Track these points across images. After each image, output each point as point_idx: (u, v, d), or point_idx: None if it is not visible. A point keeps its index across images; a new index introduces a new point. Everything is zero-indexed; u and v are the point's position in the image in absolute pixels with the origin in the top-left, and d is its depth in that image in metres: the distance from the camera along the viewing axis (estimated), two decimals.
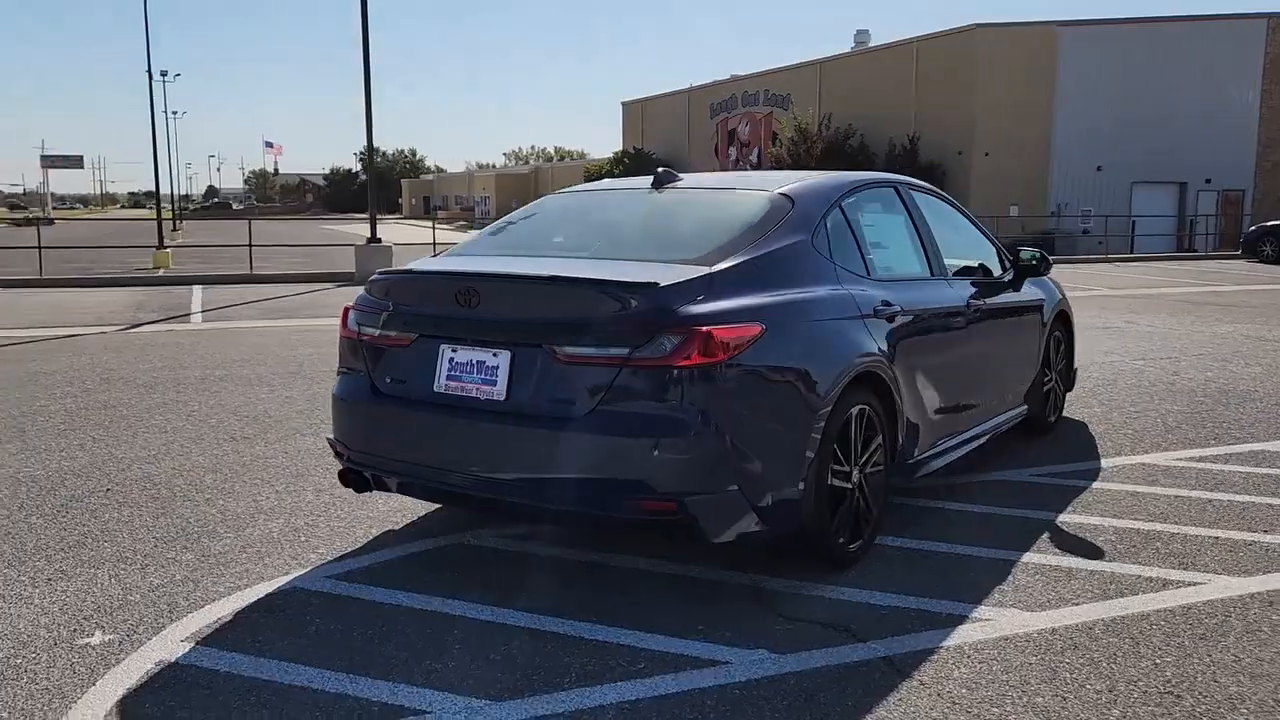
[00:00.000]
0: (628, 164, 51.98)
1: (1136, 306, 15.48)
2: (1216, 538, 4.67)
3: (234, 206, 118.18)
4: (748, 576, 4.14)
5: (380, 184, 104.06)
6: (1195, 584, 4.12)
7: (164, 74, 58.71)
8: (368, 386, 4.18)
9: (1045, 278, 6.77)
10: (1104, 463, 5.99)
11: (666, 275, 3.74)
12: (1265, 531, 4.76)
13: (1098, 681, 3.28)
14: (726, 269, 3.88)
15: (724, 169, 48.21)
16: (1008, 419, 5.99)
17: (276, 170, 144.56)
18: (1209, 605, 3.90)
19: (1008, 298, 5.92)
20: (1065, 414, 7.17)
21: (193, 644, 3.52)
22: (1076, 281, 20.61)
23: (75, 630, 3.64)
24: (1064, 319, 6.85)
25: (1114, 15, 38.73)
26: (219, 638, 3.58)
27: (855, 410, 4.17)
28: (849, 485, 4.17)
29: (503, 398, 3.77)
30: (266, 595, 3.97)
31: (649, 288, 3.61)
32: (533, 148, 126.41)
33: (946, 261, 5.58)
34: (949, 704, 3.13)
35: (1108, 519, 4.93)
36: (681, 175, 5.00)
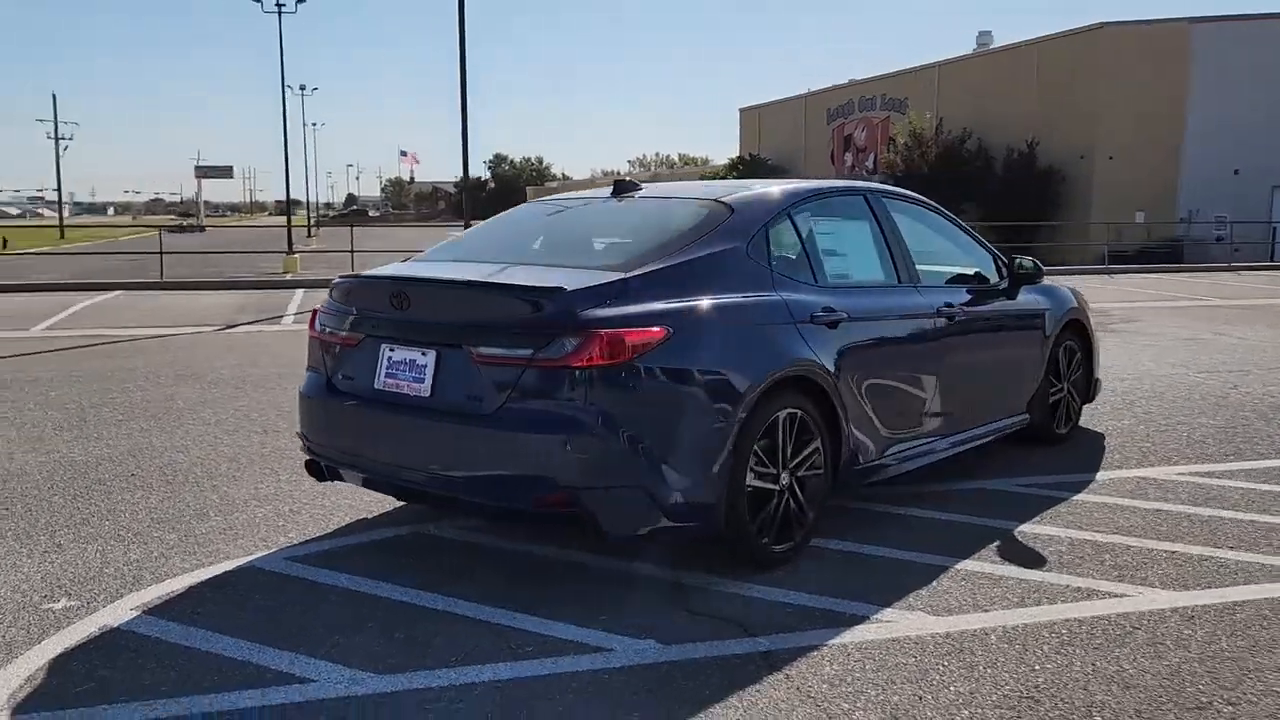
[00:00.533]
0: (742, 170, 51.93)
1: (1235, 317, 14.78)
2: (1173, 552, 4.58)
3: (370, 214, 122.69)
4: (673, 572, 4.29)
5: (507, 191, 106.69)
6: (1122, 596, 4.08)
7: (302, 87, 61.75)
8: (325, 383, 4.50)
9: (1062, 286, 6.70)
10: (1100, 475, 5.88)
11: (578, 280, 3.94)
12: (1230, 548, 4.64)
13: (964, 684, 3.32)
14: (642, 274, 4.06)
15: (839, 175, 47.73)
16: (999, 428, 5.95)
17: (413, 179, 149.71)
18: (1123, 617, 3.86)
19: (998, 305, 5.89)
20: (1093, 426, 7.03)
21: (139, 613, 3.89)
22: (1188, 290, 19.76)
23: (46, 596, 4.06)
24: (1078, 328, 6.72)
25: (1253, 11, 36.54)
26: (164, 608, 3.94)
27: (784, 414, 4.27)
28: (776, 488, 4.27)
29: (428, 394, 4.03)
30: (224, 572, 4.33)
31: (555, 292, 3.82)
32: (657, 155, 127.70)
33: (935, 269, 5.63)
34: (803, 697, 3.24)
35: (1069, 530, 4.88)
36: (643, 185, 5.18)
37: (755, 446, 4.15)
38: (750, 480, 4.14)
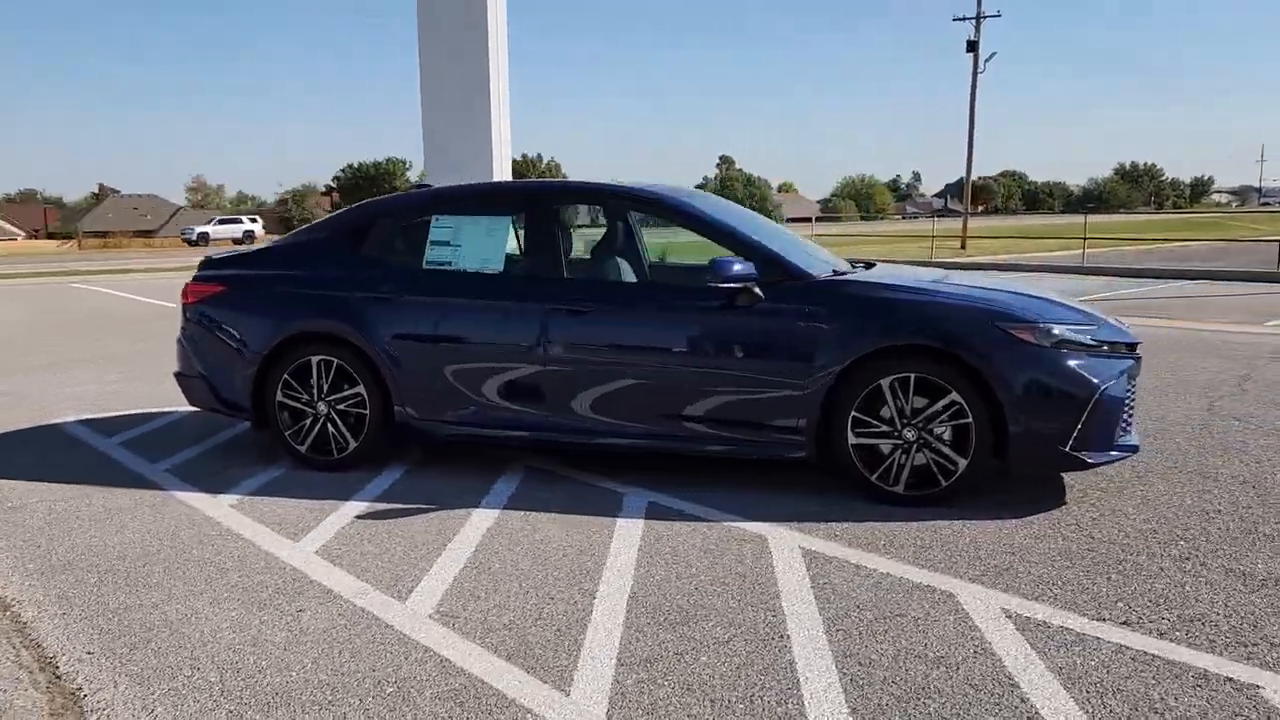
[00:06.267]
0: None
1: None
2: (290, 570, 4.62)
3: None
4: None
5: None
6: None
7: None
8: None
9: (930, 299, 5.27)
10: (736, 523, 4.91)
11: (232, 251, 6.44)
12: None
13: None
14: (255, 250, 6.33)
15: None
16: (715, 448, 5.39)
17: None
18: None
19: (688, 308, 5.39)
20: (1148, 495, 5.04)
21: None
22: None
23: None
24: (963, 368, 4.92)
25: None
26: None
27: (317, 359, 5.90)
28: (312, 412, 5.95)
29: None
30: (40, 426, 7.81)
31: (205, 257, 6.47)
32: None
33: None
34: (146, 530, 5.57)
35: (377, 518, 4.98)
36: (432, 188, 6.59)
37: (287, 377, 5.96)
38: (281, 399, 5.98)
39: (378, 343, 5.75)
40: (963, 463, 5.00)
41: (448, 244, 5.91)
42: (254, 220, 70.89)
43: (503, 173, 19.04)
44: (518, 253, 5.89)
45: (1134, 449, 5.17)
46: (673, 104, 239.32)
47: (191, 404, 6.56)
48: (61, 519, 5.14)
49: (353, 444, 5.88)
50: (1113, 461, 5.09)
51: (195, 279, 6.39)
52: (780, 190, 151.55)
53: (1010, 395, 4.89)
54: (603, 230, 6.64)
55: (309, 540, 4.76)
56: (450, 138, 16.08)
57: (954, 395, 4.96)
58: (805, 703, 3.16)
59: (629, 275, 6.14)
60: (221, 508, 5.30)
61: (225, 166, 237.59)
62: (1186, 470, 5.69)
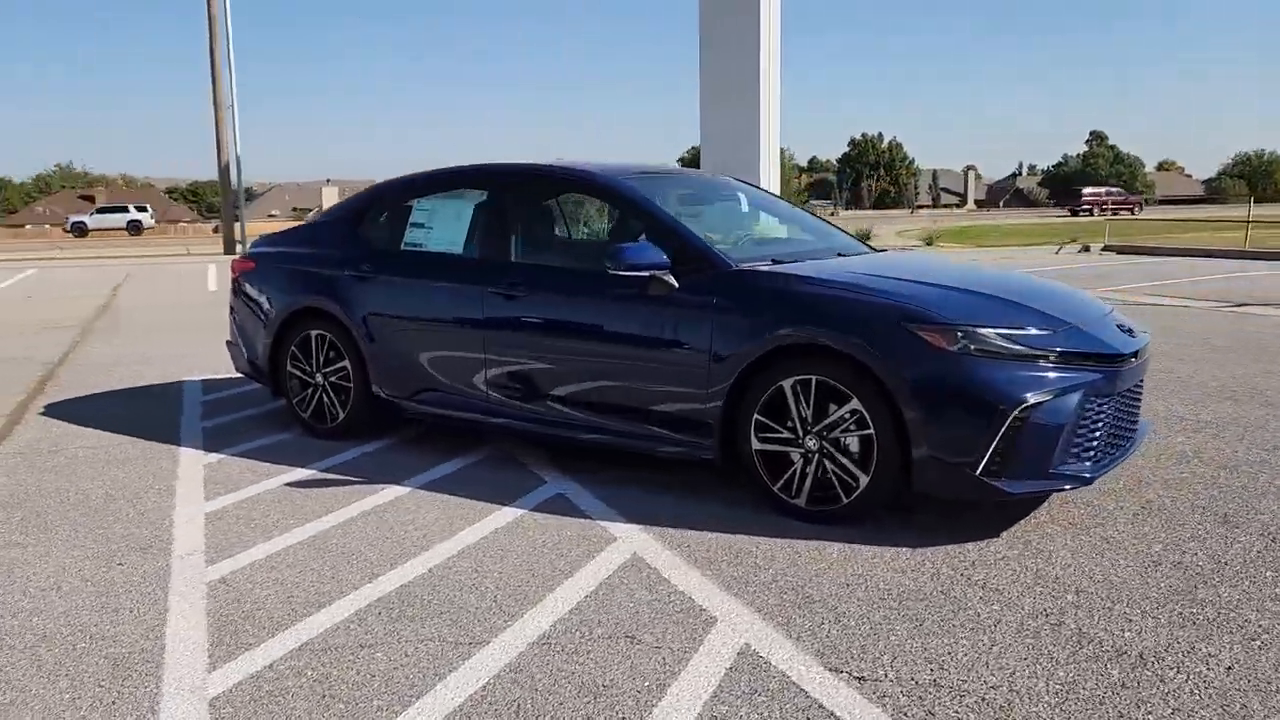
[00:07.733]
0: None
1: None
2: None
3: None
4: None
5: None
6: None
7: None
8: None
9: (840, 293, 4.69)
10: (612, 526, 4.67)
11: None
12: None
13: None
14: (286, 229, 6.74)
15: None
16: (639, 443, 5.13)
17: None
18: None
19: (609, 295, 5.14)
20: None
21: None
22: None
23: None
24: (860, 371, 4.36)
25: None
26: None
27: (314, 333, 6.27)
28: (312, 383, 6.34)
29: None
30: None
31: (259, 235, 7.01)
32: None
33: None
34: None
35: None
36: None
37: (294, 349, 6.37)
38: (290, 369, 6.41)
39: (355, 319, 5.99)
40: (864, 478, 4.42)
41: (423, 226, 6.04)
42: (142, 209, 64.48)
43: (771, 163, 19.10)
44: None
45: (1083, 481, 4.32)
46: (1045, 83, 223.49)
47: (236, 370, 7.17)
48: (73, 463, 5.84)
49: (341, 415, 6.19)
50: (1043, 493, 4.29)
51: (240, 256, 6.97)
52: (1159, 168, 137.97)
53: (910, 405, 4.26)
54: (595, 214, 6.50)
55: (218, 501, 5.09)
56: (724, 134, 16.45)
57: (855, 403, 4.40)
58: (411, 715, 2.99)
59: (582, 260, 5.95)
60: (196, 465, 5.78)
61: (517, 149, 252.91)
62: (1207, 512, 4.66)
